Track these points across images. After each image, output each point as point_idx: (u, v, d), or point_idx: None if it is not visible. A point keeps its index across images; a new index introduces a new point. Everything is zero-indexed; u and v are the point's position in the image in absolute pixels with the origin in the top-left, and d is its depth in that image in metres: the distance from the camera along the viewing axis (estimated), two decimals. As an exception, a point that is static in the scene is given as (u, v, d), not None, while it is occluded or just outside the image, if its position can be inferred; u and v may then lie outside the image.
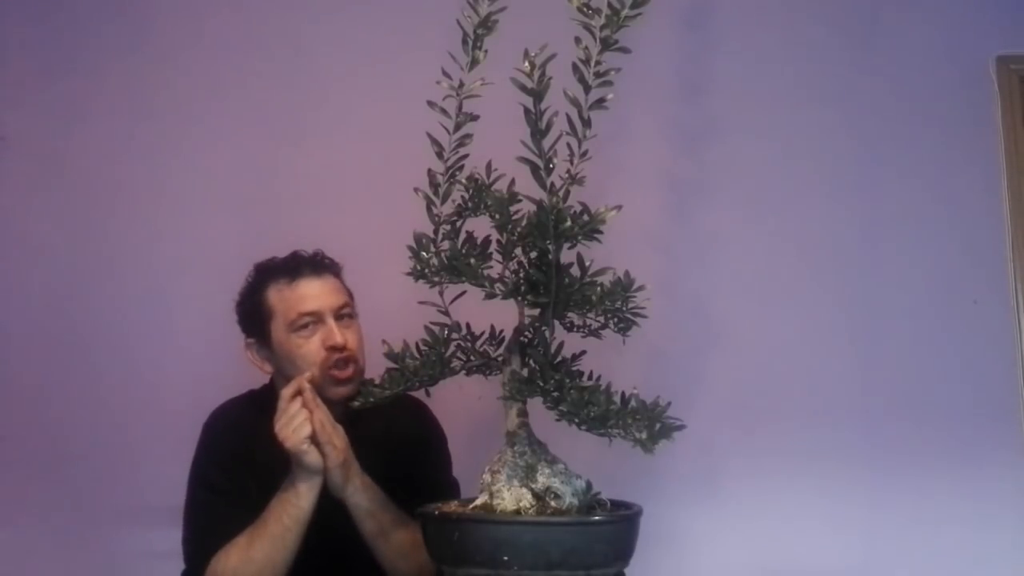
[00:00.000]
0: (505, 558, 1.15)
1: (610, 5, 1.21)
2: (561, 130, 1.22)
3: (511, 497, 1.22)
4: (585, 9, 1.21)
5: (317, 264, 1.64)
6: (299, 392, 1.48)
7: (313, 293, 1.60)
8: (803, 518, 2.14)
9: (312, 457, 1.46)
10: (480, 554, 1.16)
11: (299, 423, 1.45)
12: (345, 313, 1.62)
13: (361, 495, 1.51)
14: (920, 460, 2.16)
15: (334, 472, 1.48)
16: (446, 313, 1.36)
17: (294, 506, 1.48)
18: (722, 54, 2.30)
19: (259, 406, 1.64)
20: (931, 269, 2.25)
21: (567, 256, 1.26)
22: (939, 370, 2.21)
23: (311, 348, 1.57)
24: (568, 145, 1.24)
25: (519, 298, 1.29)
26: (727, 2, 2.33)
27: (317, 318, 1.58)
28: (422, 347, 1.34)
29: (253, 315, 1.63)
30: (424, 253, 1.33)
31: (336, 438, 1.49)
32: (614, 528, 1.22)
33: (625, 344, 1.31)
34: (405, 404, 1.66)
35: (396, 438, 1.66)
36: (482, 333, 1.38)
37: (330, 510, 1.51)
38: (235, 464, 1.58)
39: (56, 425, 2.14)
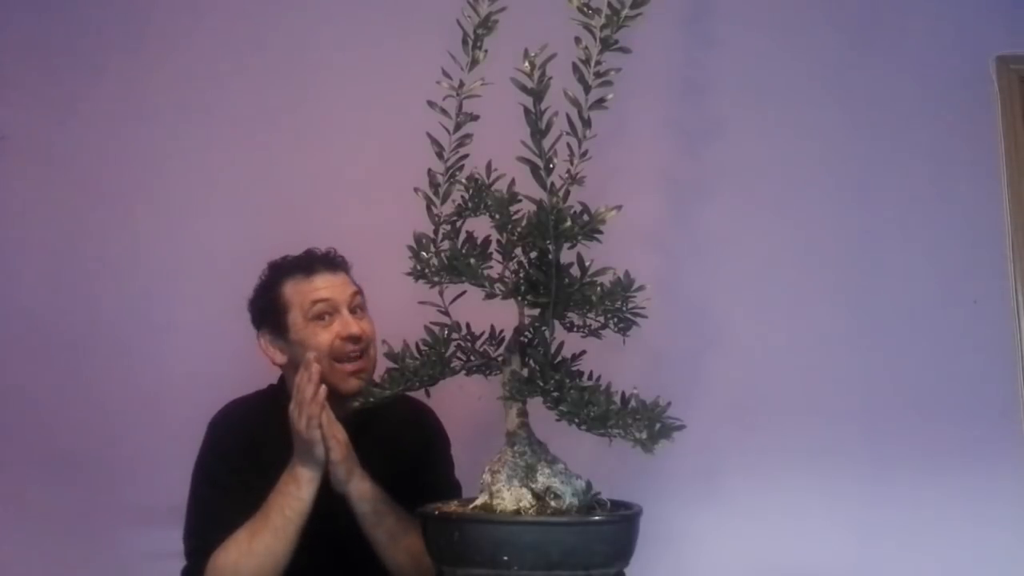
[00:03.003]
0: (505, 558, 1.14)
1: (610, 5, 1.21)
2: (561, 130, 1.22)
3: (511, 497, 1.22)
4: (585, 9, 1.21)
5: (330, 260, 1.68)
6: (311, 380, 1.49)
7: (328, 285, 1.64)
8: (803, 517, 2.14)
9: (320, 449, 1.49)
10: (480, 554, 1.16)
11: (314, 412, 1.47)
12: (358, 305, 1.66)
13: (364, 488, 1.53)
14: (920, 460, 2.17)
15: (337, 467, 1.51)
16: (446, 313, 1.36)
17: (295, 498, 1.50)
18: (722, 54, 2.30)
19: (266, 405, 1.65)
20: (931, 269, 2.25)
21: (567, 256, 1.25)
22: (939, 370, 2.21)
23: (326, 337, 1.60)
24: (568, 145, 1.24)
25: (519, 298, 1.29)
26: (727, 2, 2.33)
27: (333, 308, 1.62)
28: (422, 347, 1.34)
29: (268, 310, 1.66)
30: (424, 253, 1.33)
31: (338, 432, 1.52)
32: (614, 528, 1.22)
33: (625, 344, 1.31)
34: (410, 409, 1.69)
35: (401, 443, 1.67)
36: (482, 333, 1.38)
37: (331, 505, 1.52)
38: (240, 461, 1.59)
39: (55, 425, 2.14)
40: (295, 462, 1.51)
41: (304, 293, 1.63)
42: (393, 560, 1.54)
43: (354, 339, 1.60)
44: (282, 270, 1.67)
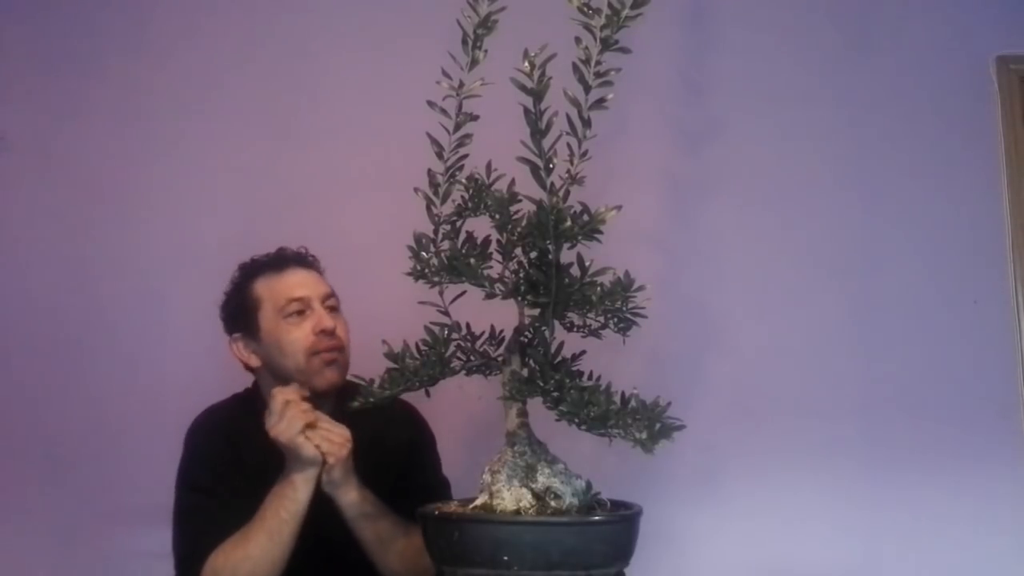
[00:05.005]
0: (505, 558, 1.14)
1: (610, 5, 1.21)
2: (561, 130, 1.22)
3: (511, 497, 1.22)
4: (585, 9, 1.21)
5: (302, 259, 1.68)
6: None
7: (301, 281, 1.63)
8: (803, 518, 2.14)
9: (309, 449, 1.47)
10: (480, 554, 1.16)
11: (291, 416, 1.46)
12: (331, 304, 1.65)
13: (355, 495, 1.52)
14: (920, 460, 2.17)
15: (333, 469, 1.49)
16: (446, 313, 1.36)
17: (291, 500, 1.48)
18: (722, 54, 2.30)
19: (244, 408, 1.65)
20: (931, 269, 2.25)
21: (567, 256, 1.25)
22: (939, 370, 2.21)
23: (300, 334, 1.59)
24: (568, 145, 1.24)
25: (519, 298, 1.29)
26: (727, 2, 2.33)
27: (306, 304, 1.61)
28: (422, 347, 1.34)
29: (239, 310, 1.64)
30: (424, 253, 1.33)
31: (335, 435, 1.50)
32: (614, 528, 1.22)
33: (625, 344, 1.31)
34: (395, 408, 1.66)
35: (387, 443, 1.66)
36: (482, 333, 1.37)
37: (326, 507, 1.51)
38: (222, 466, 1.58)
39: (53, 424, 2.14)
40: (288, 466, 1.50)
41: (277, 291, 1.62)
42: (386, 565, 1.54)
43: (328, 333, 1.59)
44: (252, 269, 1.66)
